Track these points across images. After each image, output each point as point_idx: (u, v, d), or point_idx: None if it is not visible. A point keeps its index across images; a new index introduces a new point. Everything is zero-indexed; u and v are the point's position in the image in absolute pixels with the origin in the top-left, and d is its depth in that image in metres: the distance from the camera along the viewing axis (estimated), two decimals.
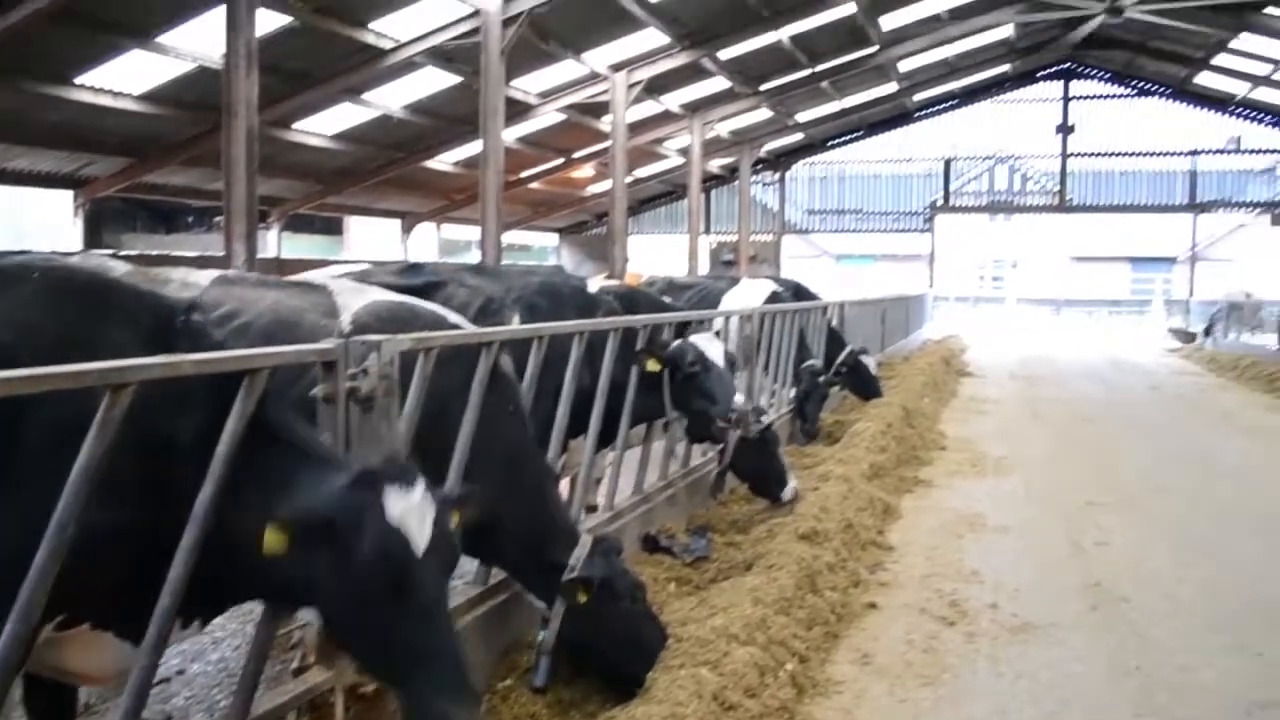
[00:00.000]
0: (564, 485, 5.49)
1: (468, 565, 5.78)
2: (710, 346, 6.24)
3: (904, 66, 28.37)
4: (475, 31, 16.52)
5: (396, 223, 31.46)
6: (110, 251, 22.52)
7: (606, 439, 5.76)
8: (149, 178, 21.44)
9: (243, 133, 11.30)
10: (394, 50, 17.87)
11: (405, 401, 3.58)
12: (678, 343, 6.19)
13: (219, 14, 12.18)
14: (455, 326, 4.37)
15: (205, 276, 4.24)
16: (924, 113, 35.90)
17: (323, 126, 21.97)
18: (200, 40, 15.86)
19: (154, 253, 24.42)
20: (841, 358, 11.84)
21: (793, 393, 10.50)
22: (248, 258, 11.58)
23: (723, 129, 29.79)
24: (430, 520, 2.57)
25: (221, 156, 11.59)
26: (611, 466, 5.97)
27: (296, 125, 21.22)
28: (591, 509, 6.08)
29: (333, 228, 33.90)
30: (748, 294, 11.47)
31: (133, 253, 23.66)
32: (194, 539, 2.57)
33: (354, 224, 33.77)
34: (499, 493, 3.94)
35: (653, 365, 5.94)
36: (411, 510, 2.54)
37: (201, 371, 2.60)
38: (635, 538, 5.98)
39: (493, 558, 4.35)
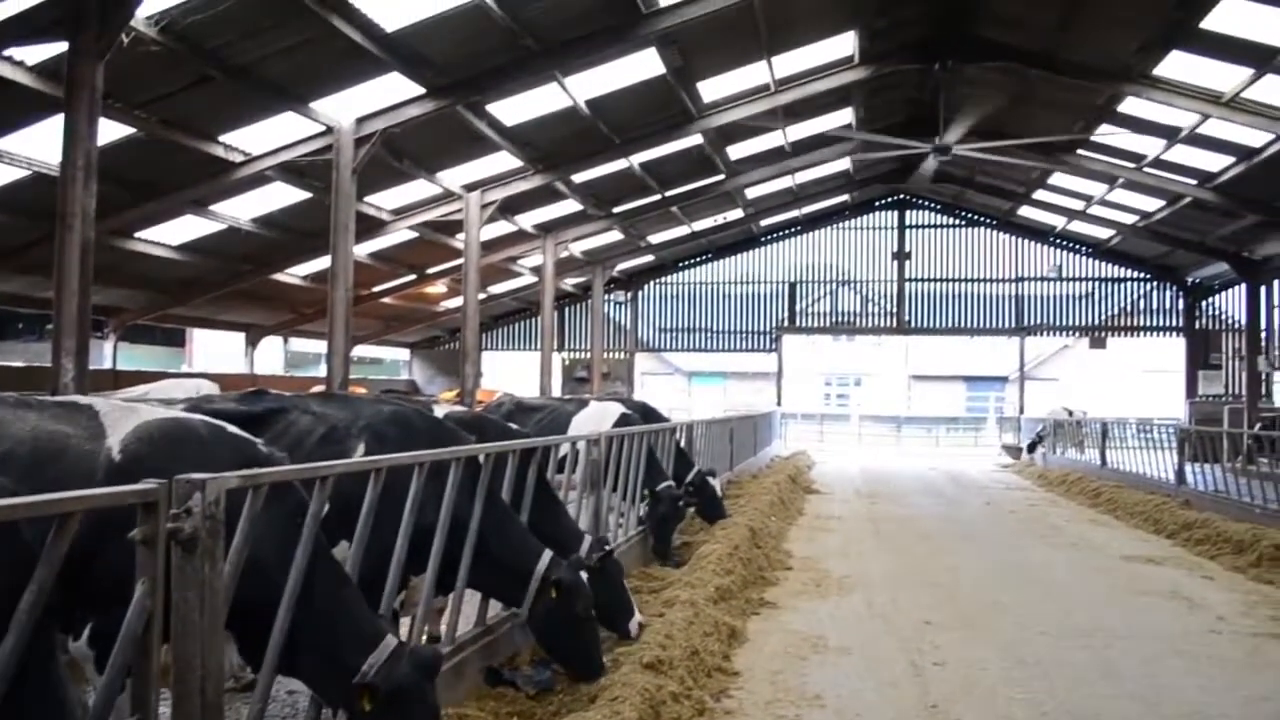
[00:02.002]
0: (404, 624, 5.32)
1: (302, 703, 5.58)
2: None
3: (750, 194, 29.59)
4: (328, 149, 16.50)
5: (241, 335, 30.68)
6: None
7: (448, 581, 5.58)
8: None
9: (76, 245, 10.84)
10: (244, 164, 17.58)
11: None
12: (575, 577, 5.97)
13: (57, 120, 11.77)
14: (246, 444, 4.15)
15: None
16: (770, 237, 37.38)
17: (167, 236, 21.39)
18: (37, 145, 15.34)
19: None
20: (689, 478, 11.96)
21: (640, 513, 10.52)
22: (77, 373, 11.06)
23: (576, 249, 30.29)
24: None
25: (54, 268, 11.10)
26: (453, 596, 5.85)
27: (139, 235, 20.64)
28: (435, 639, 5.96)
29: (174, 339, 32.87)
30: (596, 417, 11.49)
31: None
32: None
33: (197, 335, 32.82)
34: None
35: (554, 594, 5.85)
36: None
37: (9, 518, 2.48)
38: (478, 670, 5.85)
39: (290, 671, 4.11)
